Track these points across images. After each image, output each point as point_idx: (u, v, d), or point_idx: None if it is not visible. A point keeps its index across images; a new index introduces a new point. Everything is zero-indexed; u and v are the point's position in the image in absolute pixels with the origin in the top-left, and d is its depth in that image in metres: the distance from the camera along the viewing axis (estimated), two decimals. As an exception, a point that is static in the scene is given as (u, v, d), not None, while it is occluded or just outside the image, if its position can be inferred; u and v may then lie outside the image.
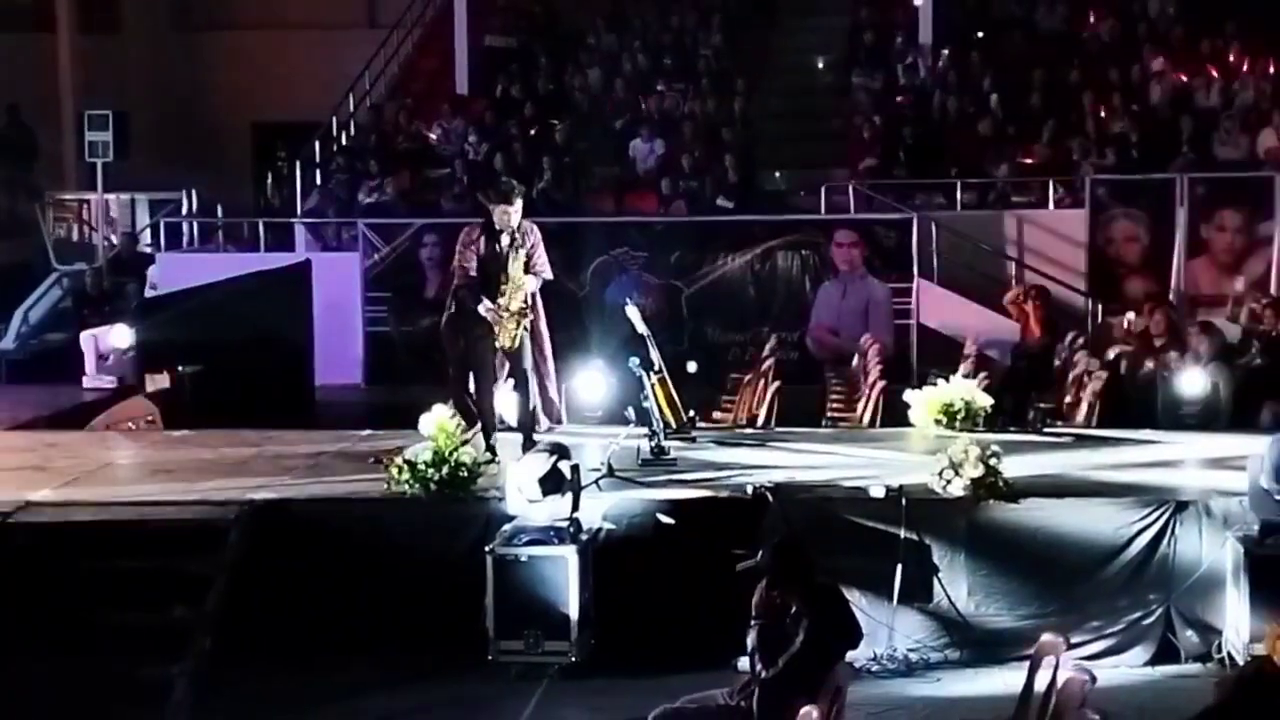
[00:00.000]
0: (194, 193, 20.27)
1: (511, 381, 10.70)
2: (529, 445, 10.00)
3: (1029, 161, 19.09)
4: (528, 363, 10.63)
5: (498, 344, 10.50)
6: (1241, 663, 8.27)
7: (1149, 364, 12.91)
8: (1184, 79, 19.56)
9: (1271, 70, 19.46)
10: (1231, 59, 19.77)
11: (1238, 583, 8.61)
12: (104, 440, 11.97)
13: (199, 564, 8.79)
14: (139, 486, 10.01)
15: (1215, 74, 19.53)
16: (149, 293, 17.70)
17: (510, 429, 10.74)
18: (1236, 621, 8.62)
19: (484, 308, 10.37)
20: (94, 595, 8.72)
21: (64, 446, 11.34)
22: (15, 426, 12.16)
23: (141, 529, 9.07)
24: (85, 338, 15.12)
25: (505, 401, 10.77)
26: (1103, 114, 19.19)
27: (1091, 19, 20.98)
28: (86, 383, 14.37)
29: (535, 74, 21.74)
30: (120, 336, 14.41)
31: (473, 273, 10.45)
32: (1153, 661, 8.90)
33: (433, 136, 20.82)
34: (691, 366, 13.10)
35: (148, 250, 19.75)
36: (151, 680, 8.14)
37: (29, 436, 11.82)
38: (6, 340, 19.27)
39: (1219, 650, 8.77)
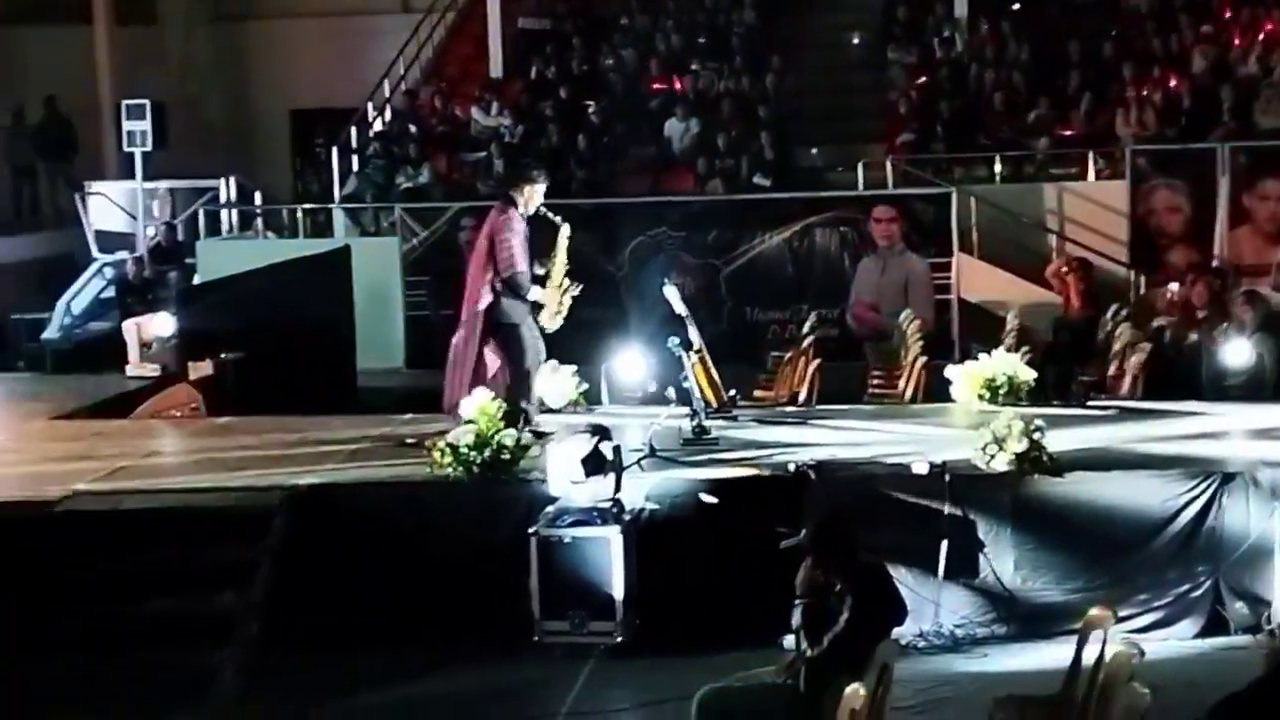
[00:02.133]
0: (232, 181, 20.35)
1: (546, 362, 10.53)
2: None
3: (1068, 133, 18.97)
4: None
5: (545, 323, 10.30)
6: (1291, 634, 8.22)
7: (1193, 335, 12.80)
8: (1224, 47, 19.38)
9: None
10: (1271, 26, 19.56)
11: (1286, 553, 8.56)
12: (148, 428, 12.03)
13: (244, 550, 8.83)
14: (184, 474, 10.05)
15: (1255, 42, 19.33)
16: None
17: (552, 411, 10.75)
18: (1286, 592, 8.57)
19: (536, 294, 10.19)
20: (141, 583, 8.76)
21: (109, 435, 11.41)
22: (61, 416, 12.22)
23: (187, 516, 9.12)
24: (128, 327, 15.23)
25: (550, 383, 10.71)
26: (1142, 84, 19.03)
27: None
28: (130, 371, 14.46)
29: (569, 55, 21.70)
30: (162, 325, 14.47)
31: (521, 264, 10.12)
32: (1202, 634, 8.84)
33: (477, 118, 20.78)
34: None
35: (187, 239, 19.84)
36: (199, 667, 8.21)
37: (75, 426, 11.89)
38: (51, 330, 19.45)
39: (1269, 621, 8.71)
